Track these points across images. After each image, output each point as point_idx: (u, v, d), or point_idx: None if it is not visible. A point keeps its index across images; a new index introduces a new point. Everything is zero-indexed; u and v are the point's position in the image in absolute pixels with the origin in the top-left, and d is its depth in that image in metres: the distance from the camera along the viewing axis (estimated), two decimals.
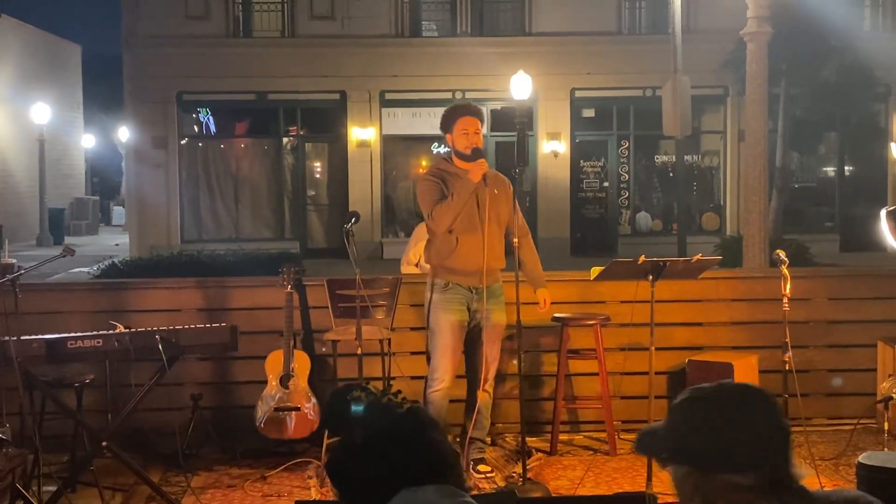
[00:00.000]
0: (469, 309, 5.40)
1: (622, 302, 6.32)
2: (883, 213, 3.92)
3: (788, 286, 4.60)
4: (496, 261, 5.42)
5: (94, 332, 4.90)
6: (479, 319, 5.43)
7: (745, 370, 6.20)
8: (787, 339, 4.60)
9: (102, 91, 36.58)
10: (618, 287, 6.23)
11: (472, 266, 5.30)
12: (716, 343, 6.51)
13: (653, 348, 5.03)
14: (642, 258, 4.96)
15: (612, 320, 6.19)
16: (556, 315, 6.15)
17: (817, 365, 6.33)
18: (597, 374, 6.12)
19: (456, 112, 5.51)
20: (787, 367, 4.72)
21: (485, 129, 21.73)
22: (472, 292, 5.37)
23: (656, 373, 5.53)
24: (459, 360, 5.52)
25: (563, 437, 6.29)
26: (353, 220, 5.54)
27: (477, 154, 5.34)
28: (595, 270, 5.32)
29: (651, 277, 4.96)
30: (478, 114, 5.51)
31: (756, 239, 7.97)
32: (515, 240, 5.37)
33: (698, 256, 5.23)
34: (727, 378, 6.06)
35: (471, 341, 5.51)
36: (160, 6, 20.64)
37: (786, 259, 4.64)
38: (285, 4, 21.27)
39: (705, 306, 6.57)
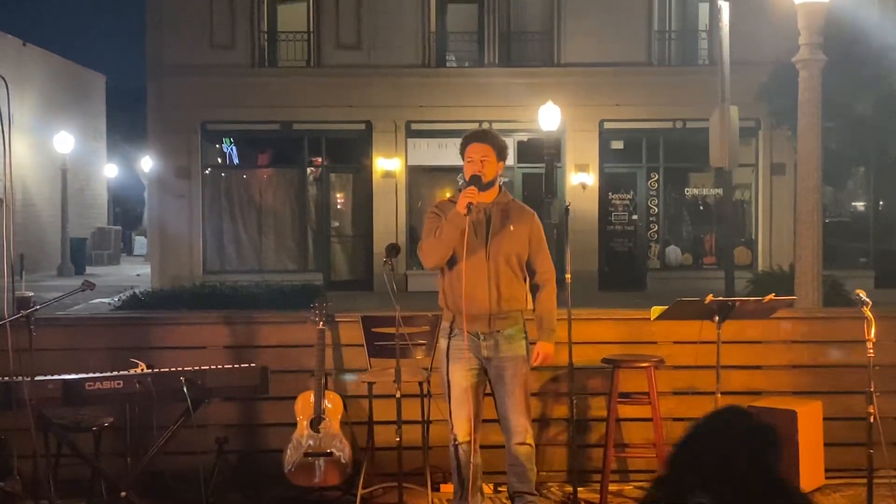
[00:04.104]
0: (479, 356, 4.88)
1: (675, 342, 5.93)
2: None
3: (873, 330, 4.19)
4: (507, 301, 4.85)
5: (114, 374, 4.55)
6: (493, 367, 4.90)
7: (810, 417, 5.78)
8: (872, 388, 4.17)
9: (125, 121, 36.61)
10: (671, 326, 5.84)
11: (477, 308, 4.77)
12: (776, 387, 6.08)
13: (718, 394, 4.61)
14: (709, 297, 4.56)
15: (665, 362, 5.78)
16: (607, 357, 5.76)
17: (886, 412, 5.87)
18: (649, 420, 5.70)
19: (467, 139, 5.02)
20: (871, 420, 4.29)
21: (511, 161, 21.16)
22: (478, 338, 4.84)
23: None
24: (480, 408, 5.01)
25: (612, 487, 5.85)
26: (392, 253, 5.15)
27: (473, 181, 4.81)
28: (656, 310, 4.92)
29: (718, 318, 4.56)
30: (486, 139, 4.97)
31: (809, 276, 7.55)
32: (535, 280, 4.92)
33: (771, 296, 4.84)
34: (790, 426, 5.64)
35: (492, 387, 4.98)
36: (185, 36, 20.52)
37: (868, 300, 4.24)
38: (311, 34, 21.10)
39: (764, 348, 6.14)
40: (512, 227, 4.90)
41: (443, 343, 4.95)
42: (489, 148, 4.94)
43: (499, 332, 4.86)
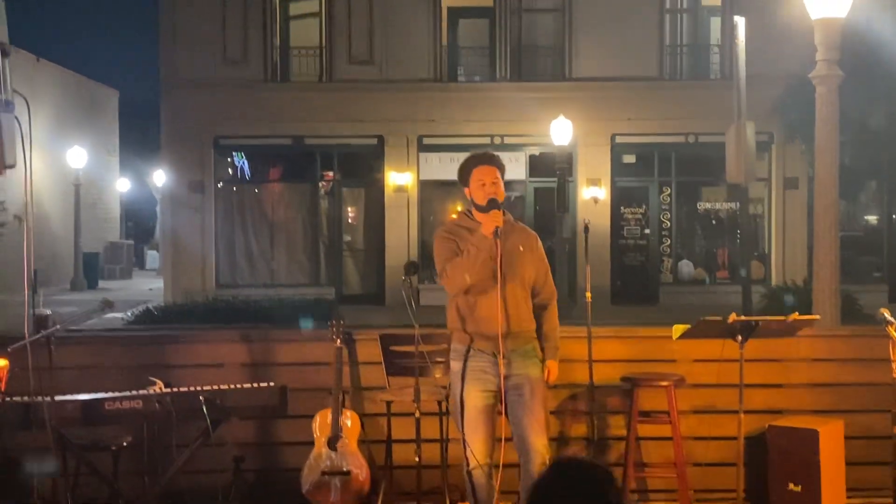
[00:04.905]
0: (497, 376, 4.82)
1: (695, 360, 5.89)
2: None
3: None
4: (521, 322, 4.87)
5: (133, 393, 4.53)
6: (511, 385, 4.84)
7: (831, 437, 5.72)
8: None
9: (138, 135, 36.76)
10: (690, 344, 5.79)
11: (495, 329, 4.75)
12: (797, 406, 6.02)
13: (742, 413, 4.57)
14: (733, 316, 4.53)
15: (686, 380, 5.74)
16: (626, 375, 5.72)
17: None
18: (669, 439, 5.66)
19: (471, 162, 5.01)
20: None
21: (523, 175, 21.12)
22: (496, 357, 4.80)
23: (732, 438, 5.11)
24: (495, 429, 4.95)
25: None
26: (411, 271, 5.12)
27: (492, 205, 4.84)
28: (678, 329, 4.89)
29: (741, 337, 4.53)
30: (493, 161, 4.99)
31: (827, 293, 7.52)
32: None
33: (795, 315, 4.80)
34: (812, 445, 5.58)
35: (509, 407, 4.90)
36: (198, 50, 20.58)
37: (892, 319, 4.20)
38: (323, 49, 21.16)
39: (784, 366, 6.09)
40: (521, 248, 4.93)
41: (456, 366, 4.90)
42: (496, 170, 4.96)
43: (513, 350, 4.84)
